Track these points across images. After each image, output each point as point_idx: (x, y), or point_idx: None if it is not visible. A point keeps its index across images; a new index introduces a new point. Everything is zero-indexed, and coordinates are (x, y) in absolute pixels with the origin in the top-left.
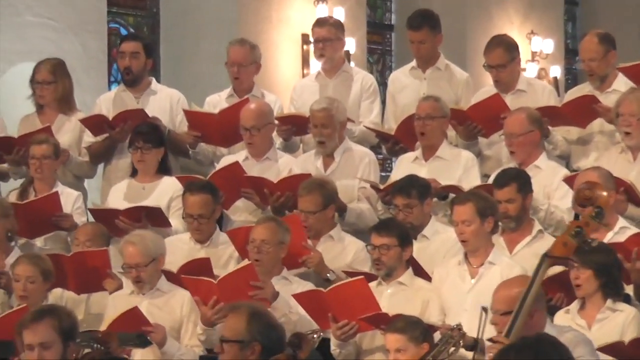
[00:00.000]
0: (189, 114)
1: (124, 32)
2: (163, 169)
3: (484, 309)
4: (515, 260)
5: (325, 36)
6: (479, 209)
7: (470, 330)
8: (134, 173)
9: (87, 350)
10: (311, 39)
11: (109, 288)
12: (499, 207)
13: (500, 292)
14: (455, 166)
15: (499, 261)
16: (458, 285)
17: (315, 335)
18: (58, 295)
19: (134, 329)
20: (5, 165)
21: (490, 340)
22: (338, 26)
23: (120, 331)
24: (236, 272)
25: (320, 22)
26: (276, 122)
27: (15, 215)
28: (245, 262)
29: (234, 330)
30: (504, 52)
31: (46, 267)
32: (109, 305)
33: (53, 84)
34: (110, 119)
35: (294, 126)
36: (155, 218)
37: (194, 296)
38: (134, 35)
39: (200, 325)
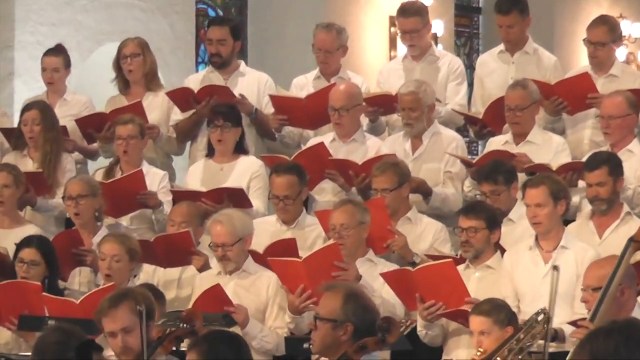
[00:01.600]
0: (275, 98)
1: (211, 13)
2: (240, 149)
3: (555, 268)
4: (605, 244)
5: (412, 28)
6: (552, 192)
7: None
8: (210, 153)
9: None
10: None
11: (195, 265)
12: (587, 190)
13: (593, 270)
14: (546, 150)
15: (572, 245)
16: (531, 270)
17: (407, 322)
18: (150, 275)
19: (217, 307)
20: (95, 145)
21: (573, 323)
22: (423, 14)
23: (204, 310)
24: (322, 251)
25: (405, 13)
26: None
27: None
28: (331, 241)
29: (328, 308)
30: (607, 31)
31: (132, 246)
32: (196, 285)
33: (141, 57)
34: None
35: (381, 107)
36: (236, 199)
37: (282, 284)
38: (221, 19)
39: (289, 313)
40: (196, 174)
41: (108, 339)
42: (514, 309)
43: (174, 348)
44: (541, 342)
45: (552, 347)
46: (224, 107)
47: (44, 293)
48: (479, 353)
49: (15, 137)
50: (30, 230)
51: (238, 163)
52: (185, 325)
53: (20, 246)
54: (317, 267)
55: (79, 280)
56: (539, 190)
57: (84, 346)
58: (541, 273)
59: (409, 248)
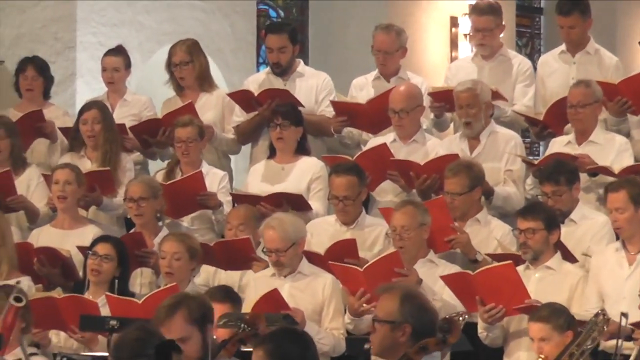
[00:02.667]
0: (336, 104)
1: (272, 13)
2: (301, 150)
3: None
4: None
5: (485, 26)
6: (633, 196)
7: (633, 318)
8: (272, 154)
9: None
10: (459, 22)
11: (255, 271)
12: None
13: None
14: (609, 150)
15: None
16: (616, 272)
17: (460, 318)
18: (211, 275)
19: (274, 311)
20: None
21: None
22: (497, 14)
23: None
24: (382, 260)
25: (479, 10)
26: (429, 98)
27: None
28: (391, 249)
29: (386, 310)
30: None
31: (193, 245)
32: (250, 286)
33: (190, 64)
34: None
35: (447, 102)
36: (296, 203)
37: (343, 286)
38: (279, 26)
39: (348, 315)
40: (257, 173)
41: None
42: (595, 310)
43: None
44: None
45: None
46: (284, 106)
47: (107, 293)
48: (540, 359)
49: (72, 138)
50: (91, 230)
51: (299, 163)
52: (248, 328)
53: (96, 242)
54: (377, 275)
55: (140, 282)
56: (619, 194)
57: (165, 346)
58: (625, 275)
59: (472, 246)
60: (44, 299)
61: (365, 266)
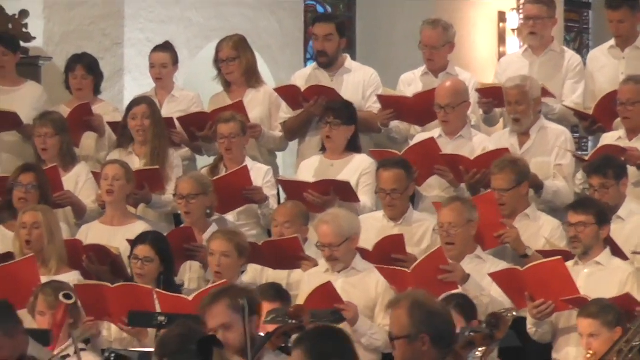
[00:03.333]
0: (383, 98)
1: (320, 9)
2: (353, 147)
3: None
4: None
5: (537, 14)
6: None
7: None
8: (324, 149)
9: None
10: (507, 17)
11: (304, 270)
12: None
13: None
14: None
15: None
16: None
17: (509, 314)
18: (258, 272)
19: (327, 305)
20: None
21: None
22: (550, 4)
23: (315, 307)
24: (427, 259)
25: None
26: (477, 94)
27: None
28: (435, 247)
29: (399, 325)
30: None
31: (241, 242)
32: (304, 282)
33: (237, 60)
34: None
35: (495, 99)
36: (343, 192)
37: (391, 286)
38: (328, 16)
39: None
40: (308, 169)
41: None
42: None
43: (282, 344)
44: None
45: None
46: (338, 104)
47: (157, 289)
48: (589, 355)
49: (120, 134)
50: (140, 226)
51: (350, 160)
52: (292, 320)
53: (135, 243)
54: (424, 274)
55: (189, 277)
56: None
57: (206, 341)
58: None
59: (521, 241)
60: (94, 287)
61: (412, 267)
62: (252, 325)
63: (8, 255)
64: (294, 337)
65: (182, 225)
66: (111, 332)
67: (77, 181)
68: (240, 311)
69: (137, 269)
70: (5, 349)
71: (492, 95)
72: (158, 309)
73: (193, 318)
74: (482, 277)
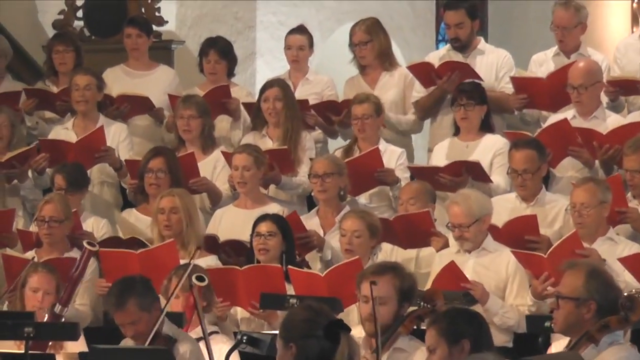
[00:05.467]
0: (515, 79)
1: None
2: (486, 127)
3: None
4: None
5: None
6: None
7: None
8: (457, 131)
9: (412, 308)
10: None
11: (435, 246)
12: None
13: None
14: None
15: None
16: None
17: None
18: (388, 252)
19: (454, 284)
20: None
21: None
22: None
23: (442, 287)
24: (563, 243)
25: None
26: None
27: None
28: (570, 230)
29: (571, 287)
30: None
31: (373, 222)
32: (436, 263)
33: (370, 43)
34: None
35: (623, 88)
36: (475, 172)
37: (526, 270)
38: (456, 3)
39: (530, 297)
40: (441, 151)
41: (360, 302)
42: None
43: (415, 327)
44: None
45: None
46: (468, 85)
47: (290, 266)
48: None
49: (254, 116)
50: (273, 209)
51: (483, 140)
52: (426, 304)
53: (255, 224)
54: (559, 258)
55: None
56: None
57: (333, 325)
58: None
59: None
60: (226, 270)
61: (548, 252)
62: (403, 310)
63: (133, 241)
64: (427, 319)
65: (314, 209)
66: (237, 313)
67: (215, 165)
68: (401, 294)
69: (260, 245)
70: (142, 323)
71: (620, 86)
72: (287, 289)
73: (327, 301)
74: (614, 259)
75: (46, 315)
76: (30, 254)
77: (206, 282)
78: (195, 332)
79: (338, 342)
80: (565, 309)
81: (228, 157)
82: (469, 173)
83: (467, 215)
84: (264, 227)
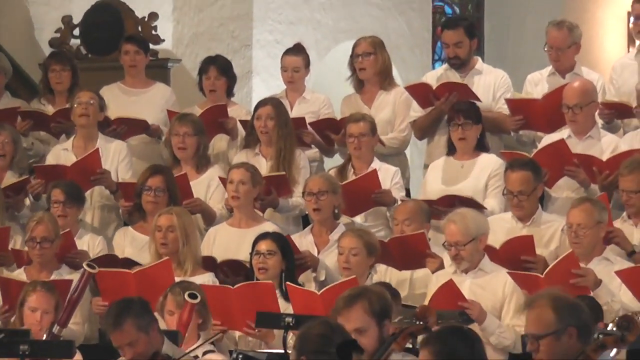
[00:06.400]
0: (511, 101)
1: (448, 10)
2: (481, 146)
3: None
4: None
5: None
6: None
7: None
8: (450, 151)
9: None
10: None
11: (430, 267)
12: None
13: None
14: None
15: None
16: None
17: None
18: (382, 273)
19: (451, 303)
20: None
21: None
22: None
23: (439, 306)
24: (559, 263)
25: None
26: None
27: None
28: (565, 250)
29: (543, 323)
30: None
31: (371, 240)
32: (432, 282)
33: (373, 56)
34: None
35: (617, 111)
36: (468, 204)
37: (522, 290)
38: (455, 21)
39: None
40: (436, 170)
41: None
42: None
43: (409, 345)
44: None
45: None
46: (465, 104)
47: (288, 283)
48: None
49: (247, 134)
50: (268, 228)
51: (478, 160)
52: (419, 322)
53: (255, 241)
54: (556, 278)
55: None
56: None
57: (346, 345)
58: None
59: (627, 239)
60: (220, 289)
61: (545, 272)
62: (385, 329)
63: (128, 261)
64: (421, 337)
65: (308, 227)
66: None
67: (209, 185)
68: (375, 316)
69: (259, 264)
70: (140, 344)
71: (615, 109)
72: (286, 307)
73: (328, 319)
74: (610, 279)
75: (44, 336)
76: (19, 272)
77: (199, 299)
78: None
79: None
80: (548, 347)
81: (224, 181)
82: (461, 204)
83: (464, 234)
84: (263, 246)
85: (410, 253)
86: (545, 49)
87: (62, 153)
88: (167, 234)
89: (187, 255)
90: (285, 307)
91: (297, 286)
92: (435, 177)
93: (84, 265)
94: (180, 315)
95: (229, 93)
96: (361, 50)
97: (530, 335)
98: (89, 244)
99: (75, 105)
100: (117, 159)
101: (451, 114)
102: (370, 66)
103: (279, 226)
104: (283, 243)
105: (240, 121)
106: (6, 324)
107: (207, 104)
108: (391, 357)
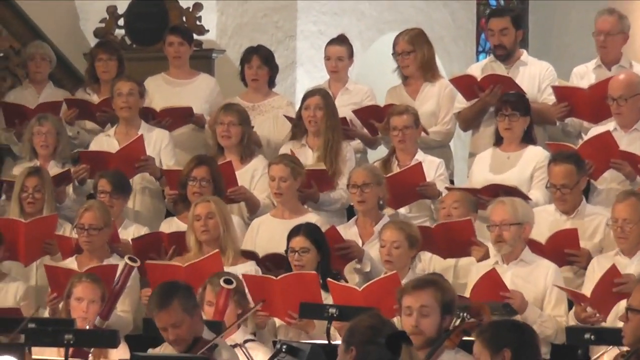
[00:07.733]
0: (557, 89)
1: (492, 2)
2: (528, 138)
3: None
4: None
5: None
6: None
7: None
8: (497, 142)
9: (458, 321)
10: None
11: (475, 256)
12: None
13: None
14: None
15: None
16: None
17: None
18: (427, 261)
19: (493, 293)
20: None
21: None
22: None
23: (480, 296)
24: (603, 278)
25: None
26: None
27: None
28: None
29: None
30: None
31: (412, 232)
32: (473, 272)
33: (412, 54)
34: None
35: None
36: (512, 194)
37: (570, 296)
38: (501, 10)
39: (572, 317)
40: (483, 162)
41: (402, 315)
42: None
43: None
44: None
45: None
46: (513, 96)
47: (329, 279)
48: None
49: (294, 125)
50: (311, 218)
51: (525, 152)
52: (472, 318)
53: (289, 236)
54: (602, 296)
55: None
56: None
57: (396, 336)
58: None
59: None
60: (261, 279)
61: (591, 292)
62: (444, 322)
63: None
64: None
65: (352, 219)
66: (276, 320)
67: (253, 175)
68: (443, 307)
69: (295, 261)
70: (184, 327)
71: None
72: (325, 297)
73: (378, 311)
74: None
75: (88, 327)
76: (70, 261)
77: (234, 285)
78: (231, 339)
79: (398, 354)
80: (635, 321)
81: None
82: (506, 194)
83: (511, 215)
84: (296, 244)
85: (455, 240)
86: (594, 36)
87: (105, 139)
88: (207, 221)
89: (228, 241)
90: (324, 297)
91: (337, 282)
92: (481, 168)
93: (126, 258)
94: (216, 302)
95: (271, 83)
96: (400, 49)
97: (627, 305)
98: (134, 234)
99: (116, 97)
100: (160, 146)
101: (499, 104)
102: (411, 64)
103: (322, 215)
104: (316, 236)
105: (285, 117)
106: (54, 312)
107: (250, 93)
108: (443, 354)
